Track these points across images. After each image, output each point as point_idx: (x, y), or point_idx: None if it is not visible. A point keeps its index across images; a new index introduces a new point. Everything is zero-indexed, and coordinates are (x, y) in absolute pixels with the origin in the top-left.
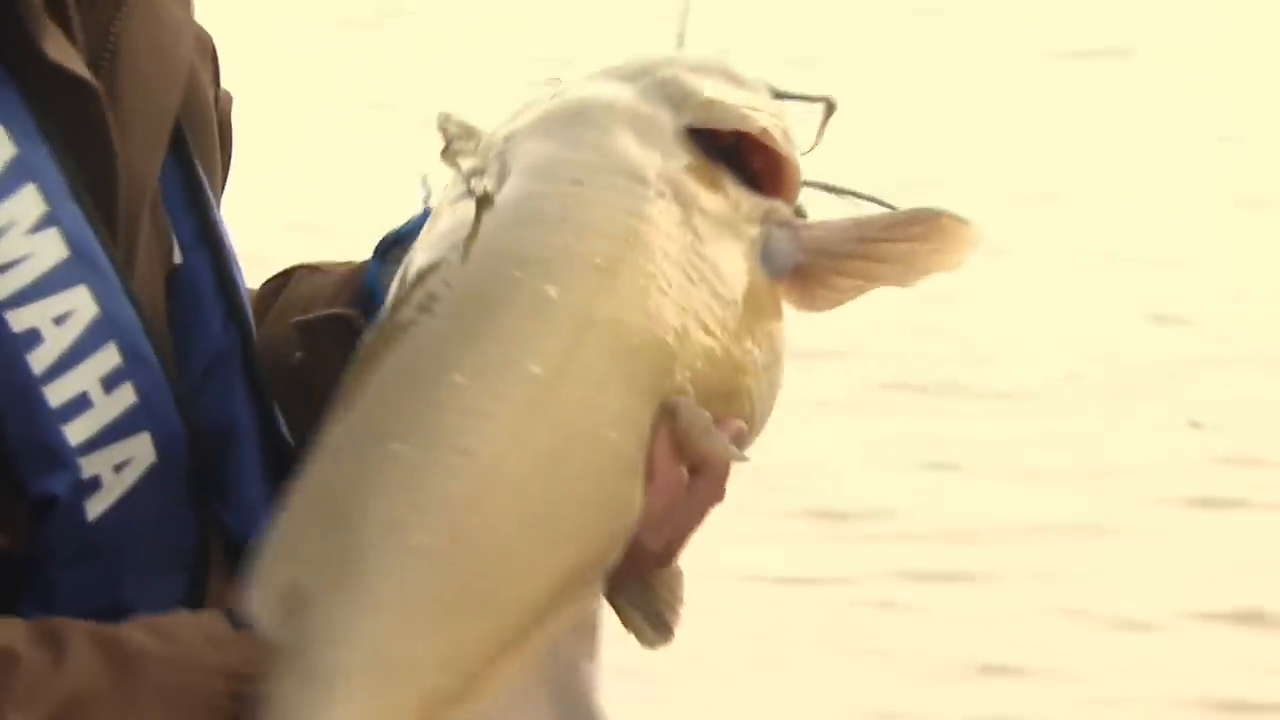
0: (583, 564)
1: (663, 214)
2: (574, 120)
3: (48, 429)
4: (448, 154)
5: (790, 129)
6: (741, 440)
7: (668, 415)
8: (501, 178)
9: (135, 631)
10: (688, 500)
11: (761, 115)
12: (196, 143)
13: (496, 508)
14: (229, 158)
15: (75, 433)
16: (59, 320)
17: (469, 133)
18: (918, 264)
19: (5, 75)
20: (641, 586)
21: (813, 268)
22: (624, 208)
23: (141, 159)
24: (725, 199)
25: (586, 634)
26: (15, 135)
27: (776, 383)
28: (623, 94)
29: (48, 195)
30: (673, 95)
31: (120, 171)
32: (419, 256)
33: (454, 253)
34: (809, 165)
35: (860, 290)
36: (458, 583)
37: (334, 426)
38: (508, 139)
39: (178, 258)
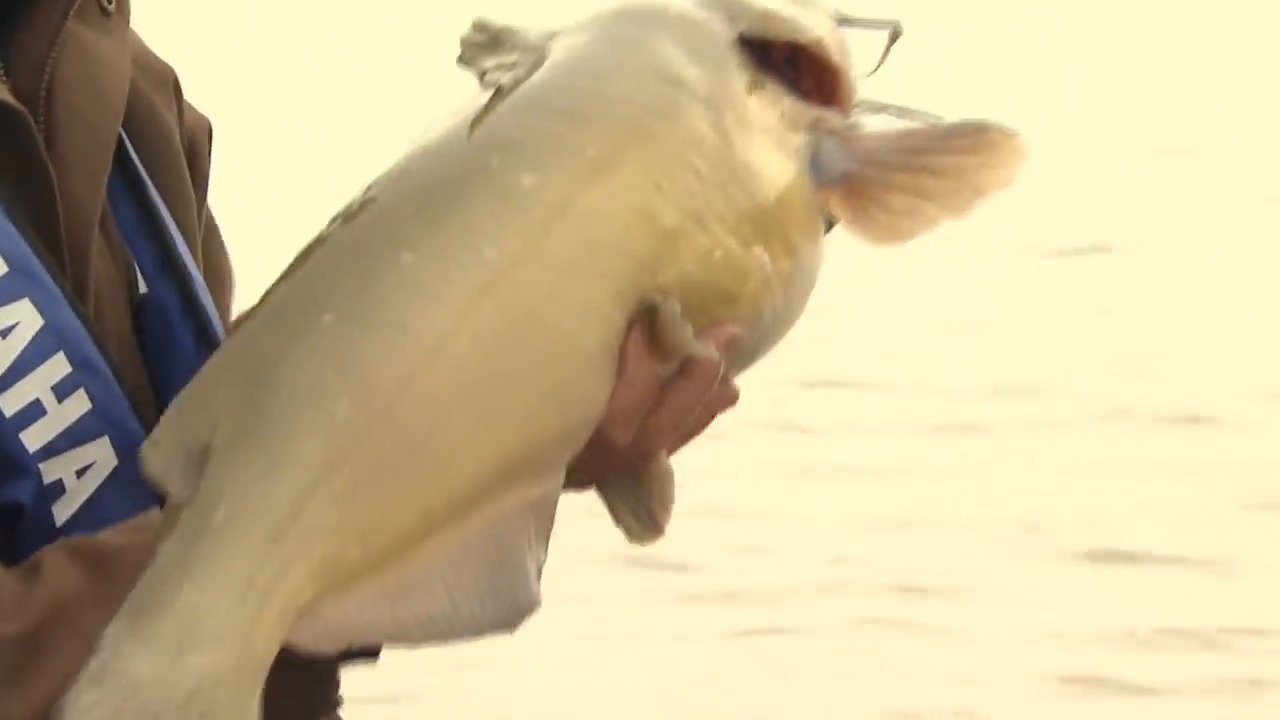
0: (529, 450)
1: (685, 115)
2: (621, 20)
3: (5, 436)
4: (463, 56)
5: (847, 48)
6: (734, 345)
7: (647, 312)
8: (532, 71)
9: (110, 534)
10: (668, 398)
11: (817, 28)
12: (156, 174)
13: (432, 387)
14: (204, 181)
15: (32, 439)
16: (3, 333)
17: (501, 34)
18: (967, 177)
19: None
20: (631, 481)
21: (862, 178)
22: (640, 104)
23: (83, 190)
24: (770, 106)
25: (537, 521)
26: None
27: (796, 295)
28: (680, 1)
29: None
30: (730, 5)
31: (58, 198)
32: (413, 139)
33: (443, 136)
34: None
35: (916, 217)
36: (380, 457)
37: (274, 293)
38: (552, 36)
39: (143, 287)
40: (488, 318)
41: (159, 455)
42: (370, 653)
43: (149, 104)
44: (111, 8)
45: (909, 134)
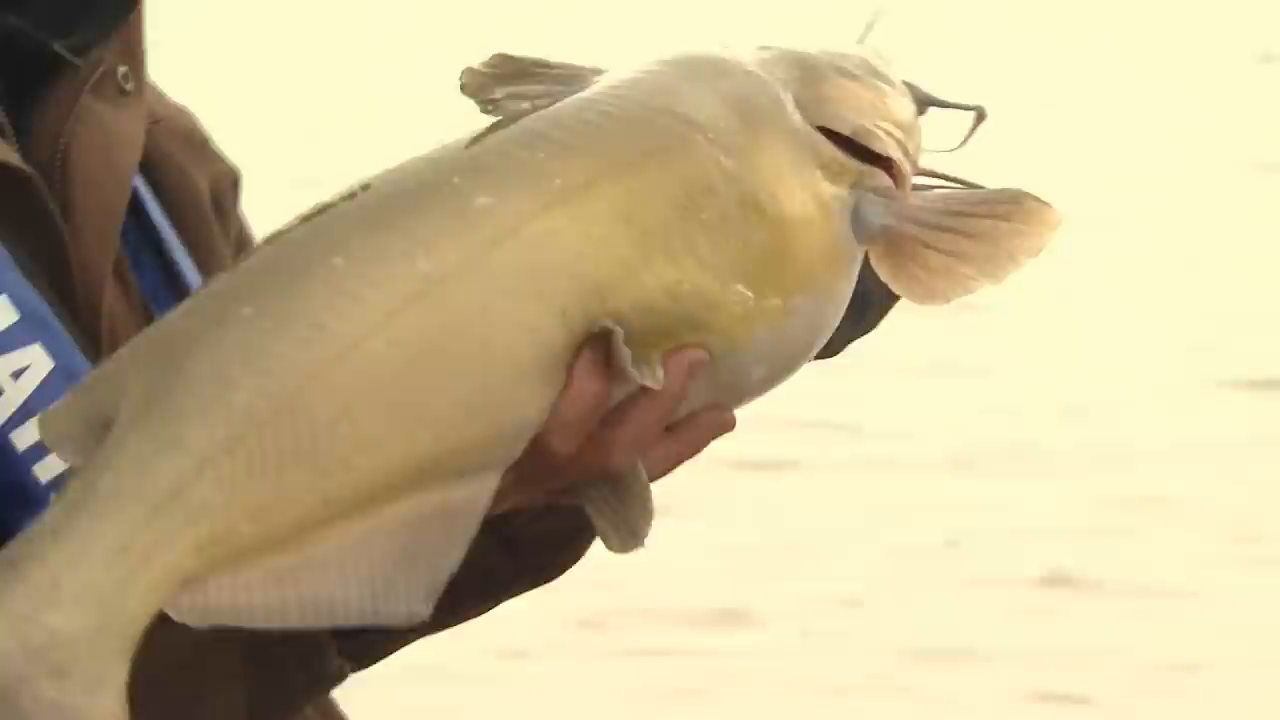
0: (447, 452)
1: (687, 157)
2: (671, 64)
3: (18, 469)
4: (468, 85)
5: (910, 133)
6: (699, 369)
7: (601, 335)
8: (552, 103)
9: None
10: (627, 415)
11: (867, 115)
12: (184, 230)
13: (342, 384)
14: (233, 230)
15: (43, 473)
16: (15, 374)
17: (531, 66)
18: (1001, 242)
19: None
20: (610, 494)
21: (901, 235)
22: (639, 142)
23: (95, 251)
24: (809, 160)
25: (456, 523)
26: None
27: (794, 333)
28: (744, 56)
29: None
30: (792, 69)
31: (70, 256)
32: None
33: (423, 157)
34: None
35: (953, 277)
36: (279, 445)
37: (208, 284)
38: (596, 72)
39: None
40: (410, 324)
41: (58, 422)
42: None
43: (175, 164)
44: (130, 87)
45: (951, 197)
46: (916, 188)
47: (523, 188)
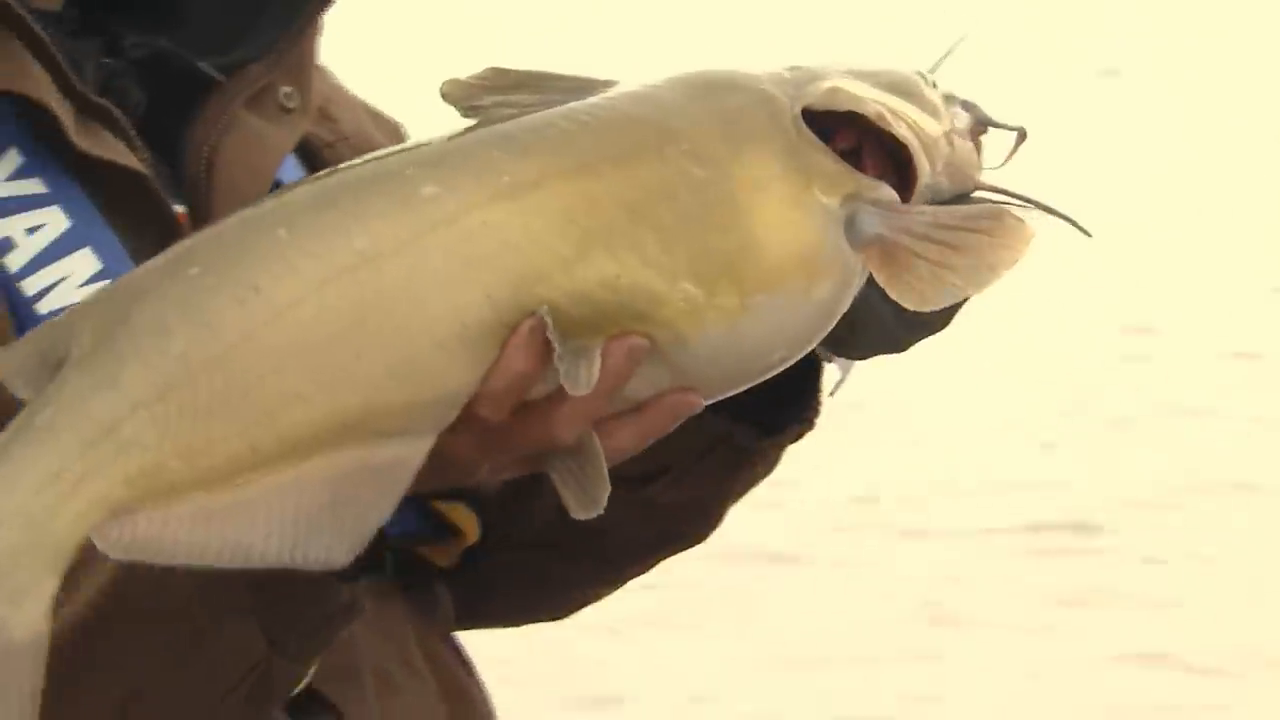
0: (371, 414)
1: (651, 163)
2: (671, 80)
3: None
4: (451, 93)
5: (933, 145)
6: (637, 355)
7: (536, 320)
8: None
9: None
10: (561, 393)
11: (885, 108)
12: None
13: (271, 342)
14: None
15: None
16: None
17: (528, 78)
18: (983, 255)
19: (66, 173)
20: (574, 463)
21: (893, 243)
22: (603, 149)
23: None
24: (800, 171)
25: (383, 481)
26: (71, 212)
27: (754, 331)
28: (762, 76)
29: (102, 257)
30: (803, 81)
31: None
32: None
33: (393, 150)
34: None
35: (939, 284)
36: (209, 392)
37: (168, 250)
38: (613, 84)
39: None
40: (340, 295)
41: (12, 359)
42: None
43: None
44: (292, 105)
45: (941, 211)
46: (972, 199)
47: (470, 181)
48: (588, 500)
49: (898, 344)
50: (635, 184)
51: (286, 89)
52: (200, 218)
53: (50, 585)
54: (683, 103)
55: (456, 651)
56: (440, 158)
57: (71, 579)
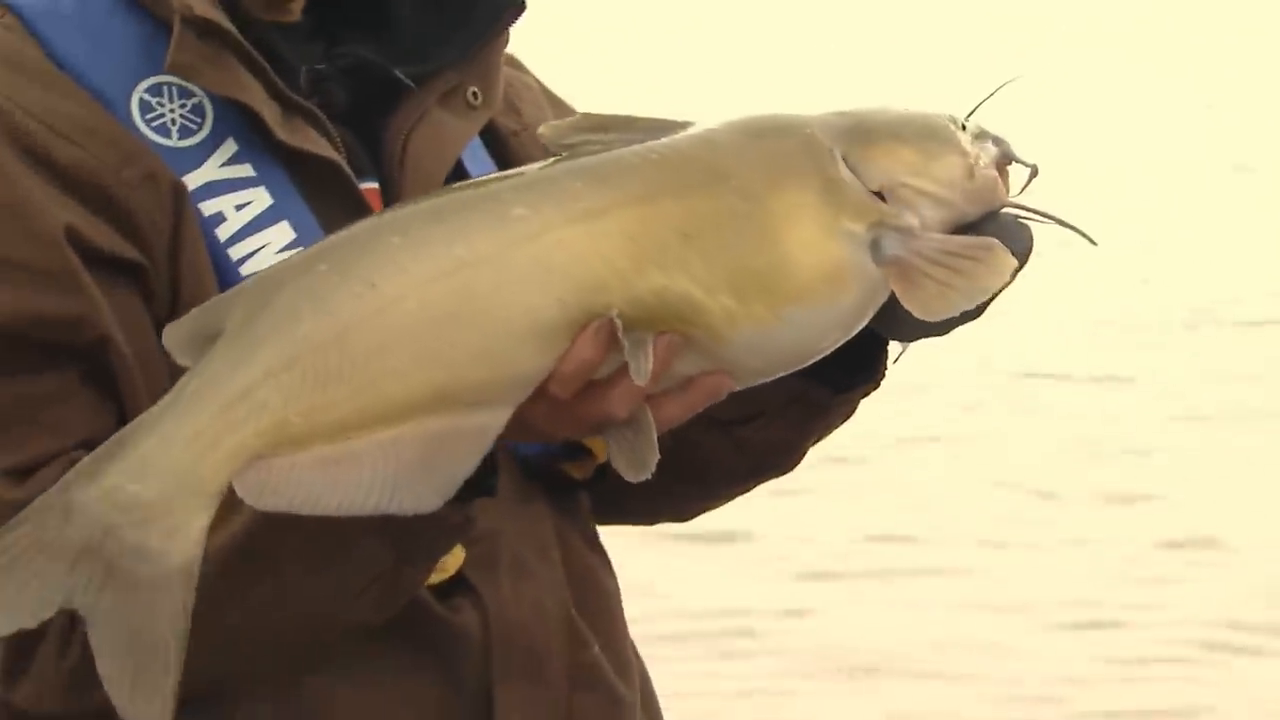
0: (458, 388)
1: (701, 195)
2: (734, 124)
3: None
4: (549, 133)
5: (951, 185)
6: (674, 350)
7: (607, 320)
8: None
9: None
10: (615, 378)
11: (893, 181)
12: None
13: (380, 328)
14: None
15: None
16: None
17: (612, 121)
18: (978, 279)
19: (271, 160)
20: (630, 432)
21: (908, 264)
22: (665, 183)
23: None
24: (832, 203)
25: (468, 444)
26: (273, 192)
27: (782, 337)
28: (811, 120)
29: (297, 229)
30: (847, 129)
31: None
32: None
33: (495, 175)
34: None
35: (944, 299)
36: (326, 366)
37: (305, 248)
38: (689, 124)
39: None
40: (440, 292)
41: (176, 335)
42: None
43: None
44: (478, 102)
45: (948, 239)
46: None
47: (552, 206)
48: (639, 463)
49: (941, 331)
50: (687, 213)
51: (474, 88)
52: (391, 192)
53: (200, 522)
54: (736, 145)
55: (587, 538)
56: (530, 185)
57: (233, 508)
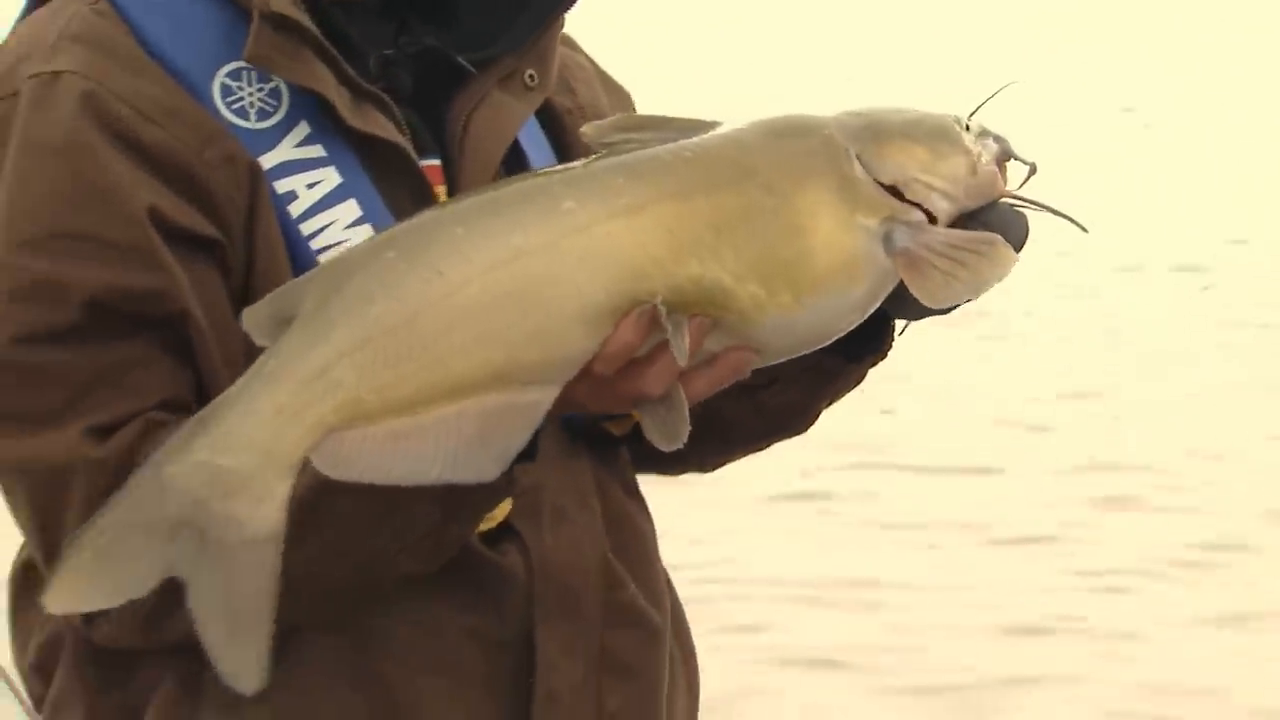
0: (514, 366)
1: (730, 191)
2: (759, 125)
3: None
4: (590, 132)
5: (956, 181)
6: (705, 331)
7: (650, 306)
8: (649, 146)
9: None
10: (650, 358)
11: (907, 177)
12: None
13: (446, 311)
14: None
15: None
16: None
17: (649, 121)
18: (980, 270)
19: (341, 142)
20: (664, 407)
21: (916, 255)
22: (697, 179)
23: (472, 187)
24: (848, 198)
25: (522, 418)
26: (342, 172)
27: (806, 320)
28: (828, 121)
29: (363, 207)
30: (860, 129)
31: (435, 203)
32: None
33: (545, 170)
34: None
35: (949, 288)
36: (396, 345)
37: (376, 235)
38: (699, 127)
39: None
40: (499, 279)
41: (255, 317)
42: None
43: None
44: (534, 84)
45: (954, 234)
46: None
47: (598, 200)
48: (672, 435)
49: (943, 311)
50: (718, 208)
51: (530, 71)
52: (452, 170)
53: (283, 490)
54: (761, 145)
55: (626, 487)
56: (578, 180)
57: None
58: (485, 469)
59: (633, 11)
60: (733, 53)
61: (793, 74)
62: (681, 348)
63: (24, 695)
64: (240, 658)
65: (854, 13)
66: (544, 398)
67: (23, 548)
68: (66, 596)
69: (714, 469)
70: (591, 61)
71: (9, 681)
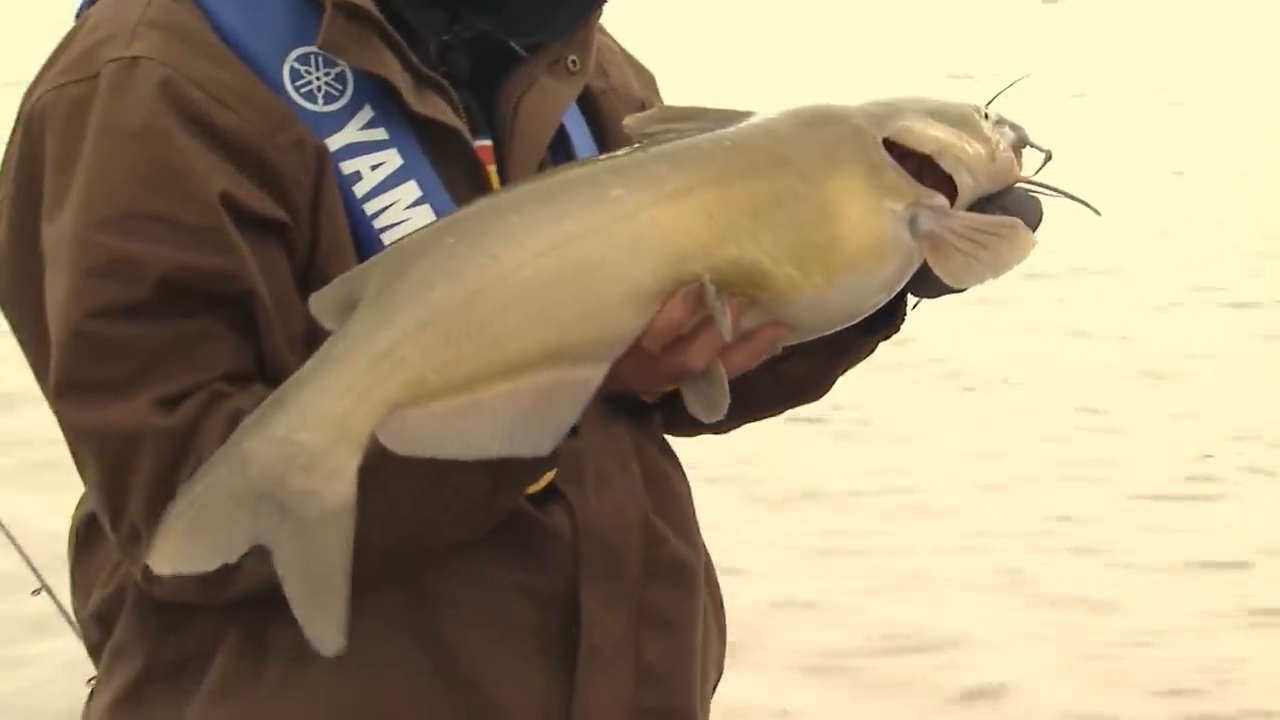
0: (566, 345)
1: (767, 177)
2: (789, 115)
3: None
4: (631, 124)
5: (978, 165)
6: (742, 309)
7: (697, 285)
8: (688, 135)
9: None
10: (692, 335)
11: (940, 144)
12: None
13: (502, 294)
14: None
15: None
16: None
17: (690, 112)
18: (1000, 252)
19: (403, 126)
20: (705, 382)
21: (939, 238)
22: (735, 166)
23: (520, 168)
24: (875, 184)
25: (573, 395)
26: (404, 154)
27: (838, 300)
28: (855, 111)
29: (423, 188)
30: (885, 116)
31: (489, 183)
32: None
33: (592, 159)
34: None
35: (970, 269)
36: (456, 327)
37: (432, 221)
38: (734, 117)
39: None
40: (552, 263)
41: (321, 302)
42: None
43: (616, 122)
44: (577, 69)
45: (976, 217)
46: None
47: (644, 187)
48: (712, 408)
49: (958, 290)
50: (757, 194)
51: (573, 57)
52: (502, 150)
53: (353, 465)
54: (794, 134)
55: (661, 447)
56: (624, 169)
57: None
58: (540, 443)
59: (652, 10)
60: (745, 50)
61: (810, 68)
62: (726, 324)
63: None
64: (322, 621)
65: (866, 9)
66: (594, 375)
67: (81, 502)
68: (169, 557)
69: (727, 432)
70: (615, 43)
71: (72, 623)
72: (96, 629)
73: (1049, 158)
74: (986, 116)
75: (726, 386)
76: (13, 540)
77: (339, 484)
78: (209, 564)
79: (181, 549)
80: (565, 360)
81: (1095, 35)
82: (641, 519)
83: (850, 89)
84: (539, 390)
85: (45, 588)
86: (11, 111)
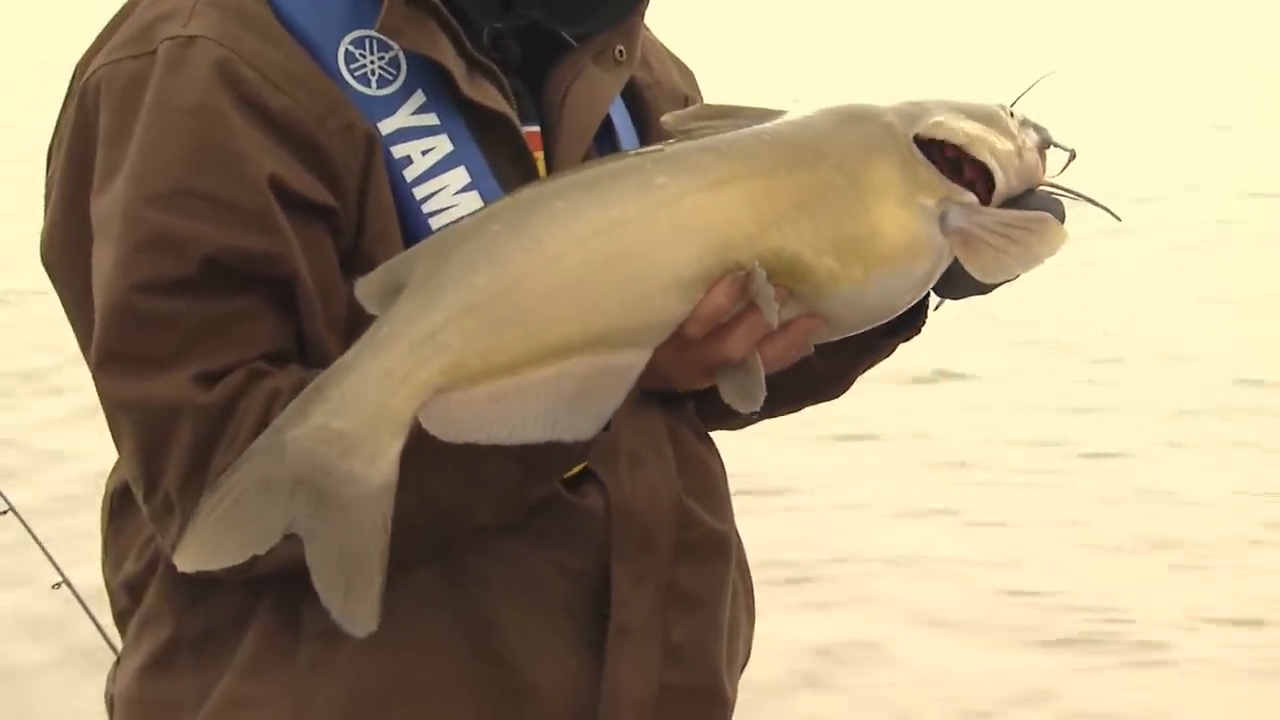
0: (609, 330)
1: (807, 171)
2: (826, 113)
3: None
4: (671, 121)
5: (1006, 155)
6: (783, 299)
7: (743, 273)
8: (727, 130)
9: None
10: (734, 323)
11: (971, 136)
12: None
13: (546, 279)
14: None
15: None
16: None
17: (727, 110)
18: (1031, 247)
19: (454, 111)
20: (742, 373)
21: (970, 233)
22: (777, 159)
23: (567, 156)
24: (908, 179)
25: (616, 380)
26: (454, 140)
27: (875, 294)
28: (887, 110)
29: (472, 173)
30: (917, 114)
31: (536, 170)
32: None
33: (636, 150)
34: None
35: (1000, 264)
36: (500, 311)
37: (482, 207)
38: (771, 114)
39: None
40: (596, 248)
41: (367, 288)
42: None
43: (658, 115)
44: (623, 59)
45: (1006, 213)
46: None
47: (688, 176)
48: (749, 398)
49: (984, 290)
50: (798, 186)
51: (620, 47)
52: (550, 137)
53: (395, 447)
54: (831, 130)
55: (697, 432)
56: (669, 158)
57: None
58: (583, 428)
59: (688, 12)
60: (776, 52)
61: (841, 70)
62: (772, 310)
63: (94, 614)
64: (357, 604)
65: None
66: (637, 360)
67: (114, 471)
68: (196, 555)
69: (745, 425)
70: (656, 37)
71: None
72: (126, 597)
73: (1073, 157)
74: (1012, 115)
75: (763, 377)
76: (30, 532)
77: (381, 464)
78: (237, 557)
79: (212, 544)
80: (607, 346)
81: None
82: (674, 500)
83: (880, 90)
84: (581, 376)
85: (65, 581)
86: (47, 89)
